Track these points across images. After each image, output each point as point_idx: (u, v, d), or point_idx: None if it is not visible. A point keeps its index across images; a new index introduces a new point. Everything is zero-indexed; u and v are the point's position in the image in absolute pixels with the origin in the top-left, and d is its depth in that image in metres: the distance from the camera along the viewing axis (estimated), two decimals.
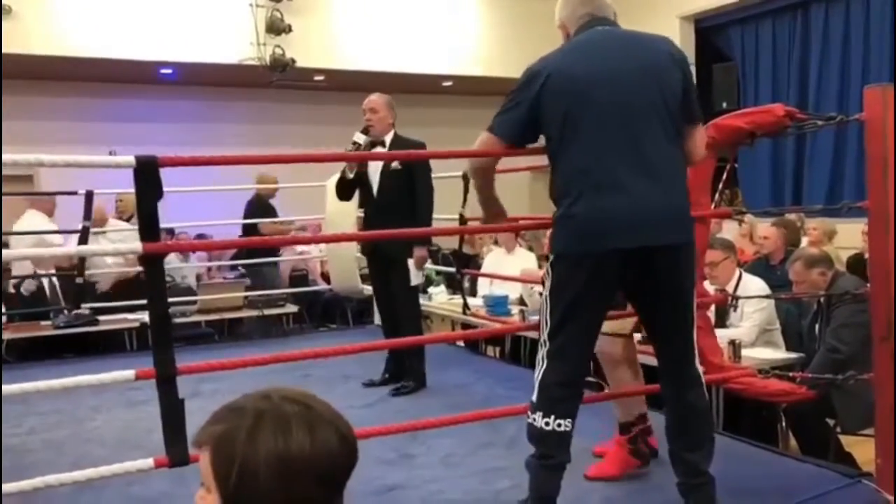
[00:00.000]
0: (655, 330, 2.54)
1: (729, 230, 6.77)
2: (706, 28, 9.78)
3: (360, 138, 4.20)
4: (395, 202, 4.28)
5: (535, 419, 2.42)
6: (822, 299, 3.79)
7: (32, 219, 6.14)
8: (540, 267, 5.53)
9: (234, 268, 8.01)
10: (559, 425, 2.38)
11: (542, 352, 2.45)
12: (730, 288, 4.12)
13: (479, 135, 2.54)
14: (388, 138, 4.34)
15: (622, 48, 2.43)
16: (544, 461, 2.43)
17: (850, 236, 5.92)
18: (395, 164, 4.31)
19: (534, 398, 2.44)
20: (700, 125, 2.53)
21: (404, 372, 4.44)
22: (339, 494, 1.08)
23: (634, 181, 2.31)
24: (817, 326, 3.87)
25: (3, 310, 5.78)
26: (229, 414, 1.06)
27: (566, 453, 2.43)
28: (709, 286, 3.90)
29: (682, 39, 9.22)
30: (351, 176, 4.34)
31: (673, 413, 2.51)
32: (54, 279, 6.07)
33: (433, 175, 4.42)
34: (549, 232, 3.28)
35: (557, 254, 2.44)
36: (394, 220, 3.95)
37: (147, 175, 2.35)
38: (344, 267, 5.80)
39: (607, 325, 2.75)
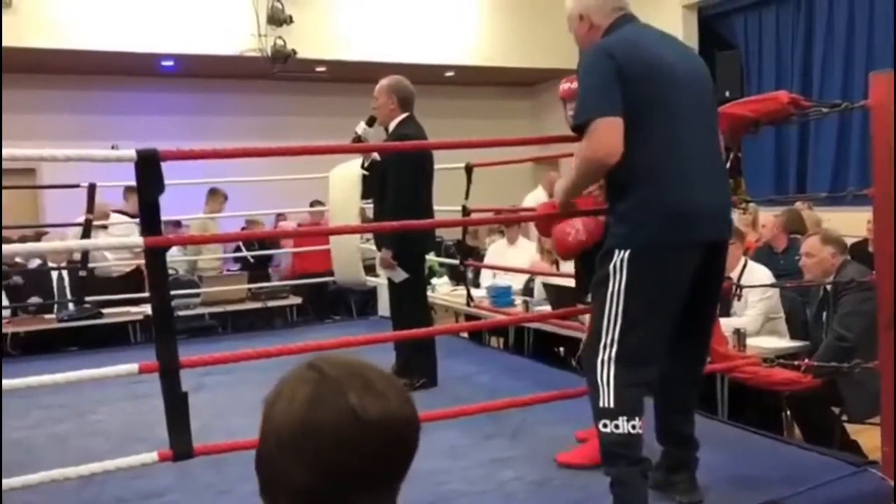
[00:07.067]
0: (691, 320, 2.43)
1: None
2: (709, 16, 9.71)
3: (360, 128, 4.08)
4: (375, 195, 4.17)
5: (618, 425, 2.21)
6: (828, 287, 3.78)
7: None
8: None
9: (237, 260, 8.01)
10: (642, 425, 2.26)
11: (606, 353, 2.25)
12: (734, 275, 4.09)
13: (587, 137, 2.25)
14: (392, 125, 4.08)
15: (677, 47, 2.47)
16: (641, 467, 2.26)
17: (853, 224, 5.88)
18: (374, 155, 4.16)
19: (609, 404, 2.23)
20: None
21: (406, 369, 4.08)
22: (376, 488, 0.95)
23: (708, 174, 2.34)
24: (824, 315, 3.86)
25: (8, 303, 5.80)
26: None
27: None
28: None
29: (686, 28, 9.16)
30: (365, 166, 4.24)
31: (679, 392, 2.54)
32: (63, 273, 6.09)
33: (440, 166, 4.26)
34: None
35: (639, 247, 2.24)
36: (377, 214, 3.87)
37: (149, 169, 2.34)
38: (347, 258, 5.79)
39: None
